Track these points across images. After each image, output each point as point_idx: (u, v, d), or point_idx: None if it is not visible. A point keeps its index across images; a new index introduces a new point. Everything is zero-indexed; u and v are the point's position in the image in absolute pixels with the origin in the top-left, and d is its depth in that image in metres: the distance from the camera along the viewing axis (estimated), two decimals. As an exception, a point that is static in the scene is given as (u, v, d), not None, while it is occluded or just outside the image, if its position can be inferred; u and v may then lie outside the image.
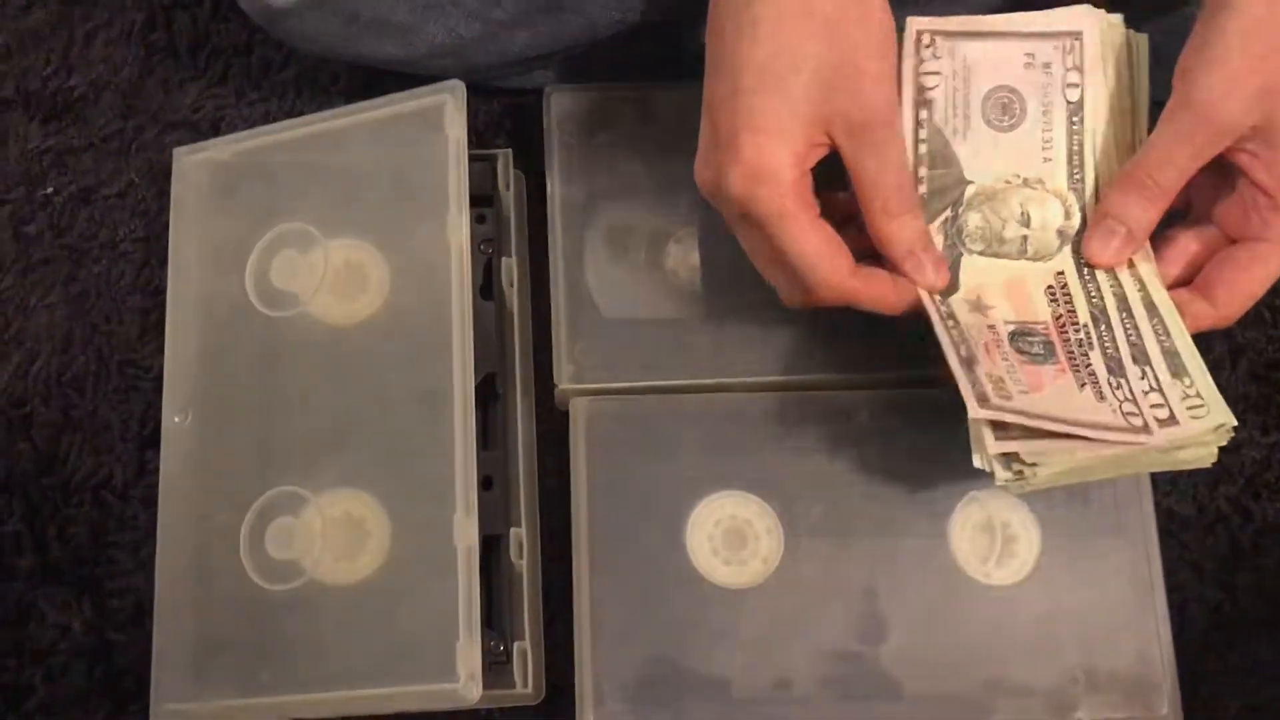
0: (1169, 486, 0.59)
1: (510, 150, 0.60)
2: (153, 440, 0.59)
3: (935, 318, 0.47)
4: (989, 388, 0.45)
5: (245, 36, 0.67)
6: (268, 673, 0.50)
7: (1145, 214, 0.47)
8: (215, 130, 0.66)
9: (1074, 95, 0.49)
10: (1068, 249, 0.49)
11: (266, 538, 0.52)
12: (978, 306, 0.49)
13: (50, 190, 0.65)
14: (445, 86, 0.54)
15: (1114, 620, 0.52)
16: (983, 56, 0.49)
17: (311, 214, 0.56)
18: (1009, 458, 0.44)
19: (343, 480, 0.52)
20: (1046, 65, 0.49)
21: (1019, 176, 0.49)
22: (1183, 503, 0.59)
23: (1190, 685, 0.52)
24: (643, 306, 0.55)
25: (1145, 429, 0.45)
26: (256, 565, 0.52)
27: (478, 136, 0.65)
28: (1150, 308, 0.47)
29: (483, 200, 0.58)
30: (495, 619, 0.53)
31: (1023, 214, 0.49)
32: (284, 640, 0.51)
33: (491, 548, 0.53)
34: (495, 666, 0.52)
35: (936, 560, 0.53)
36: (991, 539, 0.53)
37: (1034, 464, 0.44)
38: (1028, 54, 0.49)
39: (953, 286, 0.49)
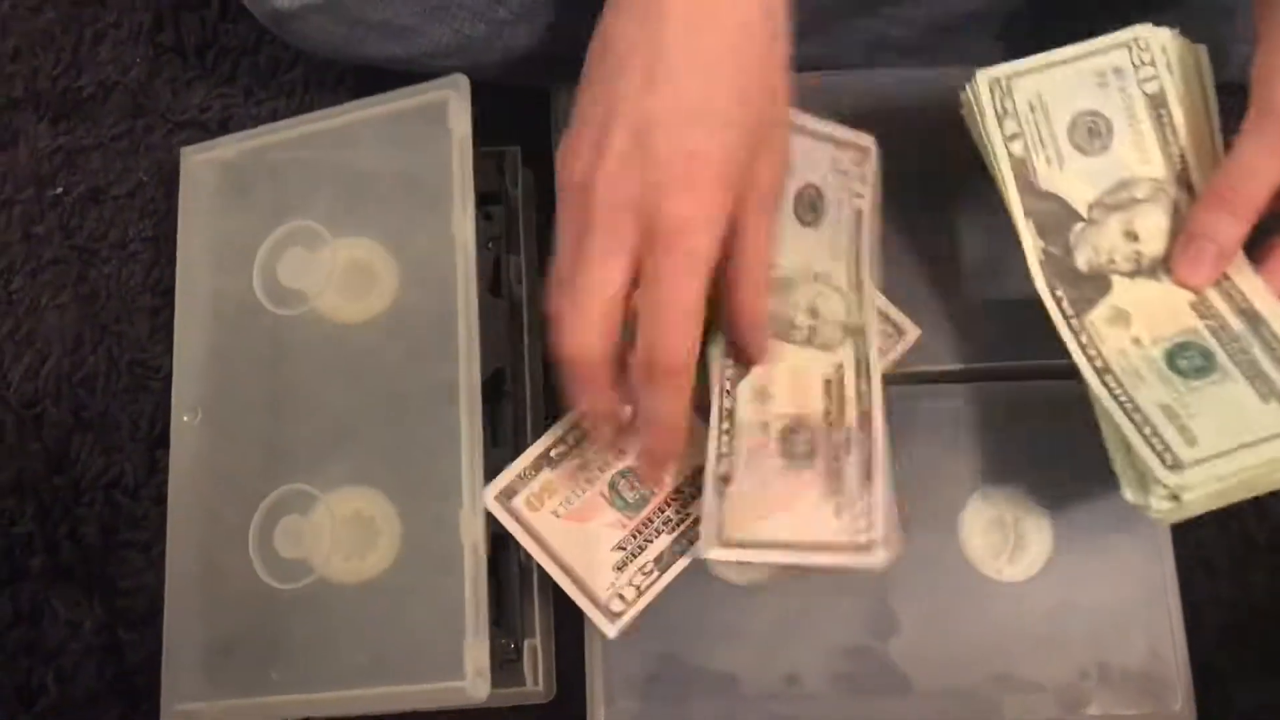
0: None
1: (519, 147, 0.60)
2: (163, 439, 0.59)
3: (714, 420, 0.49)
4: (728, 519, 0.47)
5: (253, 36, 0.67)
6: (278, 672, 0.50)
7: (1234, 229, 0.45)
8: (224, 130, 0.66)
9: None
10: (850, 343, 0.51)
11: (275, 536, 0.52)
12: (762, 395, 0.50)
13: (60, 190, 0.65)
14: (449, 82, 0.54)
15: (1127, 616, 0.52)
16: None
17: (319, 212, 0.56)
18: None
19: (351, 478, 0.52)
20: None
21: (811, 270, 0.50)
22: (1195, 498, 0.59)
23: (1203, 681, 0.51)
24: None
25: (867, 547, 0.47)
26: (266, 564, 0.52)
27: (486, 134, 0.65)
28: (1256, 318, 0.46)
29: (491, 198, 0.58)
30: (505, 617, 0.53)
31: (811, 306, 0.51)
32: (294, 639, 0.51)
33: (501, 545, 0.53)
34: (506, 664, 0.52)
35: (947, 556, 0.52)
36: (1003, 535, 0.53)
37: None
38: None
39: (743, 372, 0.50)
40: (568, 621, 0.53)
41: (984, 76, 0.49)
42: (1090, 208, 0.49)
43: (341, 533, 0.52)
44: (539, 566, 0.51)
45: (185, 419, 0.55)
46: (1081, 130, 0.49)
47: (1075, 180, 0.49)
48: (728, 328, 0.48)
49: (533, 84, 0.62)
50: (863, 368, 0.51)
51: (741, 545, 0.48)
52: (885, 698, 0.51)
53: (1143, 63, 0.49)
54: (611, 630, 0.50)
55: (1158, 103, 0.49)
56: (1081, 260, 0.48)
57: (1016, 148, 0.49)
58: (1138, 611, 0.52)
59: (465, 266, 0.52)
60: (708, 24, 0.41)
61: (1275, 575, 0.59)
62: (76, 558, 0.60)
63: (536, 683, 0.53)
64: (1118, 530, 0.52)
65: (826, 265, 0.51)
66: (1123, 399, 0.45)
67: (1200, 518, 0.58)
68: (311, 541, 0.52)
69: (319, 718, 0.50)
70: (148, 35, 0.68)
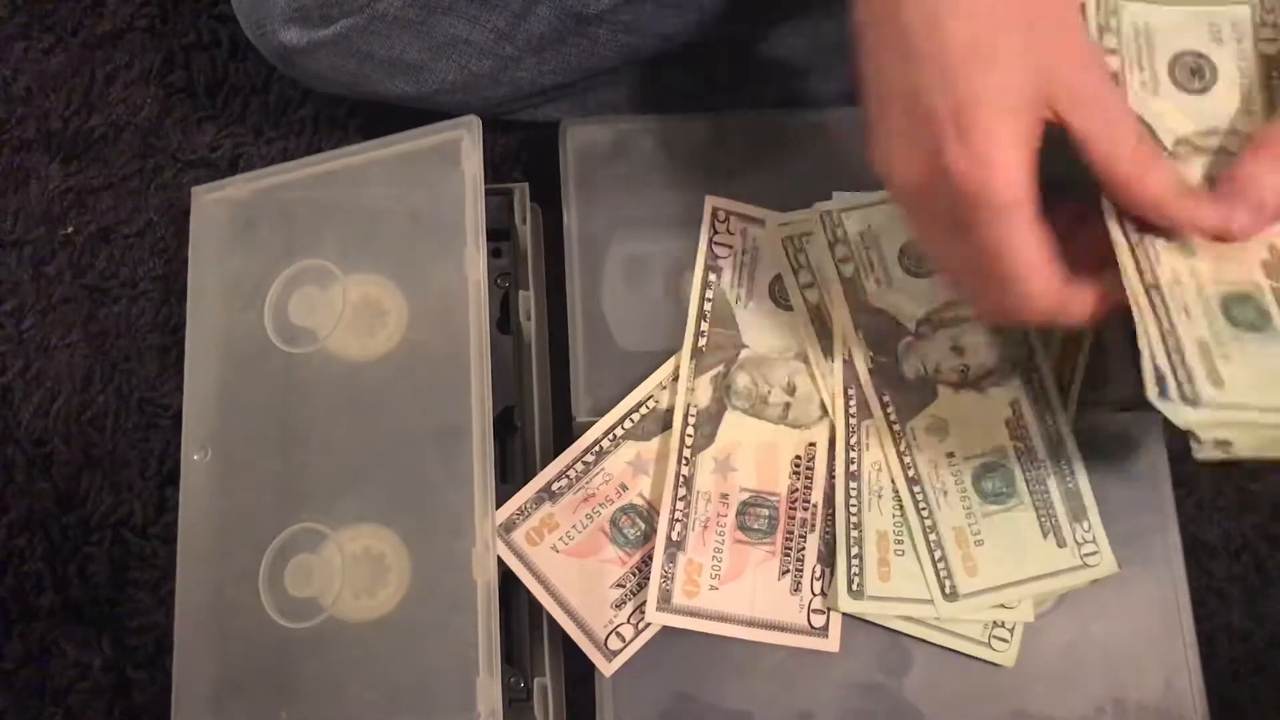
0: (1195, 514, 0.58)
1: (527, 184, 0.60)
2: (172, 478, 0.60)
3: (670, 485, 0.51)
4: (678, 585, 0.50)
5: (263, 75, 0.67)
6: (288, 710, 0.50)
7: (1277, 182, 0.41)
8: (233, 168, 0.66)
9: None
10: (826, 421, 0.52)
11: (286, 575, 0.52)
12: (724, 467, 0.52)
13: (70, 230, 0.66)
14: (461, 122, 0.55)
15: (1142, 650, 0.51)
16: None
17: (329, 250, 0.56)
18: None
19: (362, 516, 0.52)
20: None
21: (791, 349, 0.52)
22: (1209, 530, 0.59)
23: (1220, 714, 0.51)
24: (659, 338, 0.55)
25: (824, 630, 0.50)
26: (276, 602, 0.52)
27: (494, 170, 0.65)
28: None
29: (499, 234, 0.58)
30: (515, 654, 0.53)
31: (789, 384, 0.52)
32: (304, 677, 0.51)
33: (511, 582, 0.53)
34: (516, 703, 0.52)
35: (959, 590, 0.52)
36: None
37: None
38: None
39: (707, 441, 0.52)
40: (578, 658, 0.53)
41: None
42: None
43: (352, 570, 0.51)
44: (547, 603, 0.51)
45: (195, 457, 0.55)
46: (1183, 69, 0.45)
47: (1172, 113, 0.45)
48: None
49: (540, 118, 0.63)
50: (839, 444, 0.51)
51: (692, 614, 0.50)
52: (899, 734, 0.51)
53: (1265, 22, 0.45)
54: (608, 668, 0.50)
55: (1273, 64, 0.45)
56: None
57: None
58: (1152, 645, 0.52)
59: (478, 305, 0.52)
60: None
61: (1289, 606, 0.59)
62: (85, 596, 0.60)
63: (547, 720, 0.53)
64: (1131, 563, 0.52)
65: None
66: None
67: (1213, 549, 0.58)
68: (322, 579, 0.52)
69: (329, 757, 0.50)
70: (158, 76, 0.68)
